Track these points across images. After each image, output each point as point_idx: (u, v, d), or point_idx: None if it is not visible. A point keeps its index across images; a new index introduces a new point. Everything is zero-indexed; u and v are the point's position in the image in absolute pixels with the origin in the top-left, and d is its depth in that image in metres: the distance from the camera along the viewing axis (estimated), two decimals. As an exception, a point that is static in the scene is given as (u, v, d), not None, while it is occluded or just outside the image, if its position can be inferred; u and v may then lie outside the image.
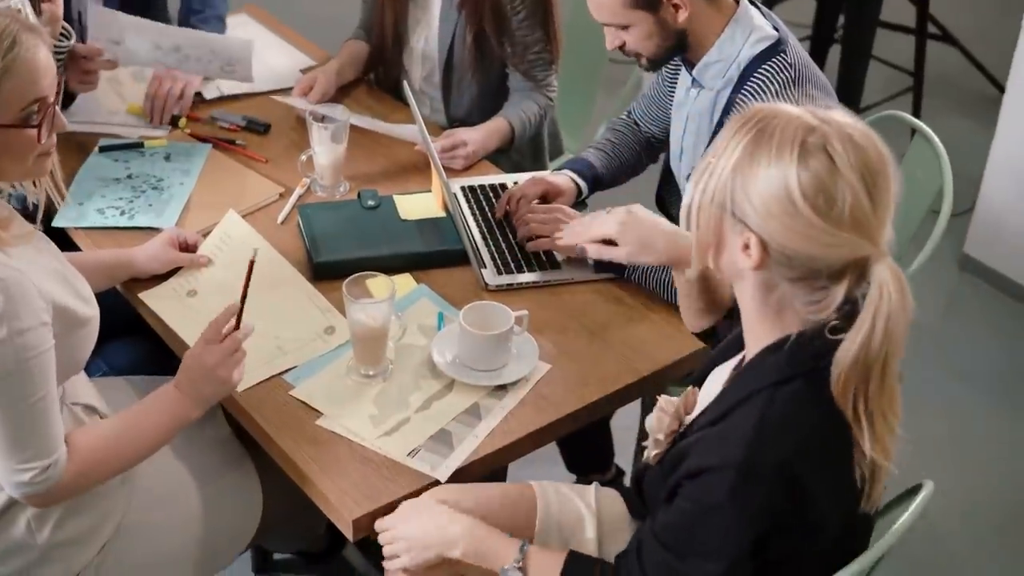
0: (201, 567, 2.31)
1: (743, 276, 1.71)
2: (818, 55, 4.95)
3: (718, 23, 2.41)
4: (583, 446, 3.05)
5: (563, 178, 2.71)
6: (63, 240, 2.53)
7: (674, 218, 2.60)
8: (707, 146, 2.50)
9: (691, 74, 2.50)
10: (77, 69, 2.84)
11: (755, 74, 2.39)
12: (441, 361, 2.28)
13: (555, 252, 2.57)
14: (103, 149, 2.89)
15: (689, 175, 2.09)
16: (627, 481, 3.07)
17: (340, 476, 2.09)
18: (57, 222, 2.60)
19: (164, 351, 2.51)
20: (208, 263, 2.52)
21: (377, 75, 3.25)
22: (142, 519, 2.22)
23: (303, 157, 2.77)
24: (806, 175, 1.59)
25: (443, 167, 2.65)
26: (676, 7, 2.36)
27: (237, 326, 2.10)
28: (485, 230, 2.65)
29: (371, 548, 2.80)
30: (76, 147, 2.86)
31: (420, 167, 2.86)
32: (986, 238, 4.21)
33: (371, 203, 2.67)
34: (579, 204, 2.74)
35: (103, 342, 2.18)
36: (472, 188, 2.80)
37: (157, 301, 2.45)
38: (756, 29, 2.42)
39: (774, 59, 2.39)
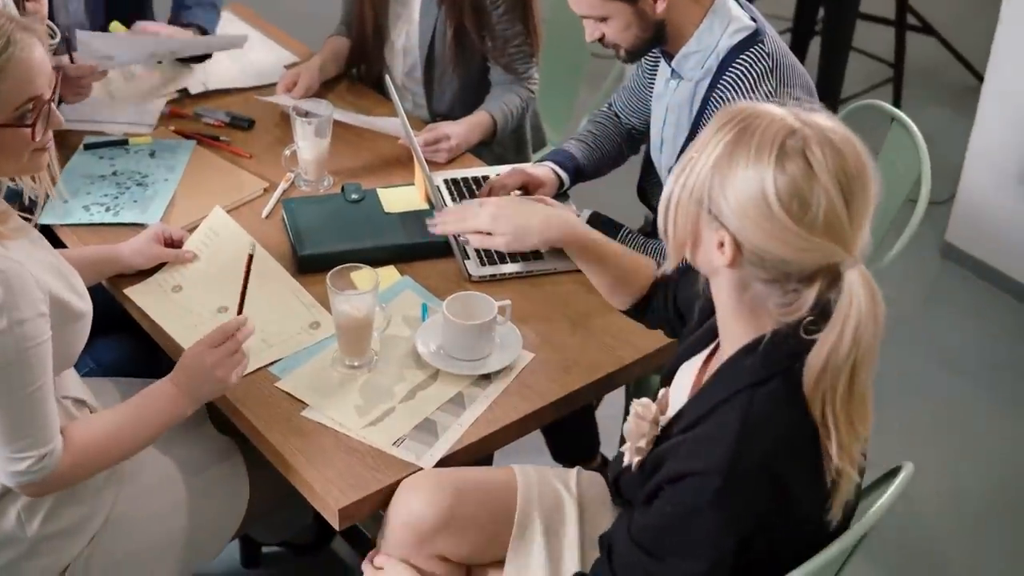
0: (189, 557, 2.33)
1: (718, 273, 1.72)
2: (799, 48, 4.97)
3: (696, 14, 2.43)
4: (569, 435, 3.06)
5: (544, 170, 2.73)
6: (49, 237, 2.54)
7: (656, 209, 2.62)
8: (687, 137, 2.52)
9: (670, 65, 2.52)
10: (70, 85, 2.86)
11: (733, 64, 2.41)
12: (425, 351, 2.31)
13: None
14: (88, 146, 2.90)
15: (671, 167, 2.11)
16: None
17: (326, 466, 2.11)
18: (43, 219, 2.61)
19: (150, 348, 2.53)
20: (193, 258, 2.54)
21: (359, 71, 3.27)
22: (131, 511, 2.24)
23: (287, 152, 2.79)
24: (783, 179, 1.59)
25: (426, 160, 2.67)
26: (654, -2, 2.38)
27: (240, 313, 2.13)
28: (468, 222, 2.67)
29: (358, 539, 2.83)
30: (61, 145, 2.87)
31: (403, 161, 2.88)
32: (967, 226, 4.24)
33: (355, 197, 2.69)
34: (561, 196, 2.75)
35: (91, 338, 2.19)
36: (455, 181, 2.82)
37: (143, 297, 2.46)
38: (734, 20, 2.43)
39: (752, 49, 2.41)
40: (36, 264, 1.99)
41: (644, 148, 2.86)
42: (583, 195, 2.84)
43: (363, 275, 2.29)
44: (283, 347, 2.34)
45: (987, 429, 3.64)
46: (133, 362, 2.66)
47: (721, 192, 1.63)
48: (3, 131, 1.94)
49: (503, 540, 2.12)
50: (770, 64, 2.40)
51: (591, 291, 2.48)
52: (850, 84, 4.95)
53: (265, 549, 3.00)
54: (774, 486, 1.65)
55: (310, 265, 2.51)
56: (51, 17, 2.77)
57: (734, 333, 1.75)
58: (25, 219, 2.08)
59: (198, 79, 3.18)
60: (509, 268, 2.55)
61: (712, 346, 1.87)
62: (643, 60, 2.67)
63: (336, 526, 2.07)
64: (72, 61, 2.85)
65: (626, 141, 2.88)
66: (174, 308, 2.43)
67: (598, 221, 2.65)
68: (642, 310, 2.29)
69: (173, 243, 2.54)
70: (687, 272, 2.01)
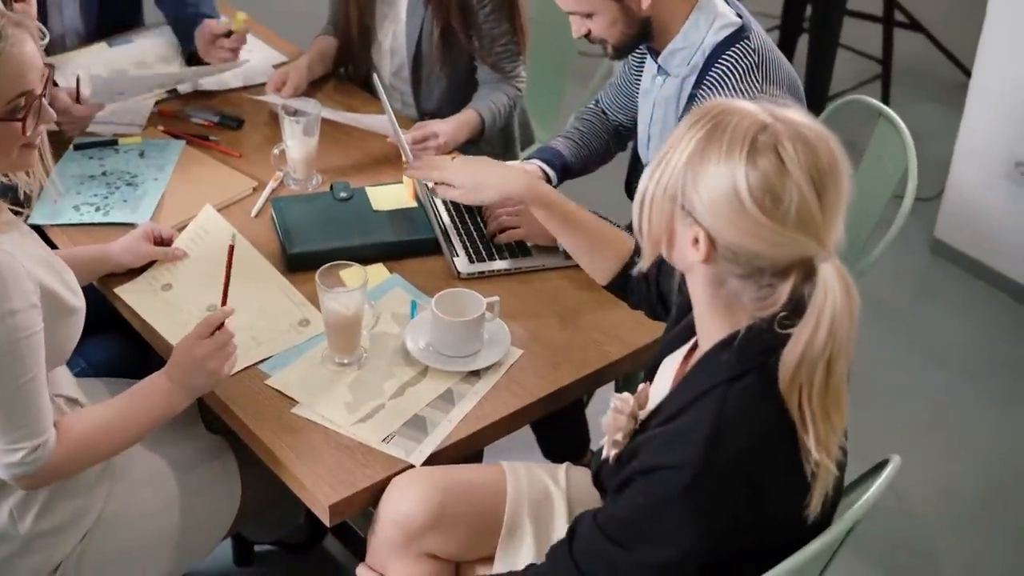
0: (181, 555, 2.33)
1: (694, 269, 1.72)
2: (787, 45, 4.98)
3: (682, 10, 2.44)
4: (559, 433, 3.07)
5: (532, 167, 2.74)
6: (40, 238, 2.55)
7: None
8: (673, 133, 2.53)
9: (656, 62, 2.52)
10: (74, 122, 2.88)
11: (719, 60, 2.42)
12: (414, 348, 2.31)
13: (526, 241, 2.60)
14: (78, 147, 2.91)
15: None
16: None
17: (316, 463, 2.11)
18: (33, 219, 2.61)
19: (141, 347, 2.53)
20: (183, 256, 2.54)
21: (347, 70, 3.28)
22: (123, 509, 2.24)
23: (276, 151, 2.79)
24: (755, 174, 1.60)
25: (414, 158, 2.68)
26: (640, -6, 2.39)
27: (223, 304, 2.14)
28: (456, 220, 2.67)
29: (350, 537, 2.84)
30: (50, 145, 2.87)
31: (392, 159, 2.89)
32: (956, 223, 4.25)
33: (343, 195, 2.70)
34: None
35: (81, 338, 2.20)
36: (444, 179, 2.82)
37: (132, 295, 2.47)
38: (720, 16, 2.44)
39: (738, 46, 2.42)
40: (27, 257, 2.00)
41: (631, 145, 2.86)
42: (571, 192, 2.81)
43: (352, 273, 2.30)
44: (272, 345, 2.34)
45: (977, 425, 3.65)
46: (124, 361, 2.66)
47: (694, 188, 1.64)
48: None
49: (492, 538, 2.13)
50: (756, 60, 2.41)
51: (580, 287, 2.50)
52: (838, 81, 4.96)
53: (257, 548, 3.01)
54: (748, 484, 1.66)
55: (299, 263, 2.52)
56: (45, 24, 2.78)
57: (710, 328, 1.76)
58: (16, 213, 2.08)
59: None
60: (498, 265, 2.56)
61: (692, 341, 1.88)
62: (630, 56, 2.68)
63: (327, 522, 2.07)
64: (78, 101, 2.87)
65: (613, 138, 2.89)
66: (164, 306, 2.44)
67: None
68: (622, 287, 2.29)
69: (163, 241, 2.55)
70: None
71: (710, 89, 2.42)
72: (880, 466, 1.92)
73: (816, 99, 4.64)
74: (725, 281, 1.69)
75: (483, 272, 2.54)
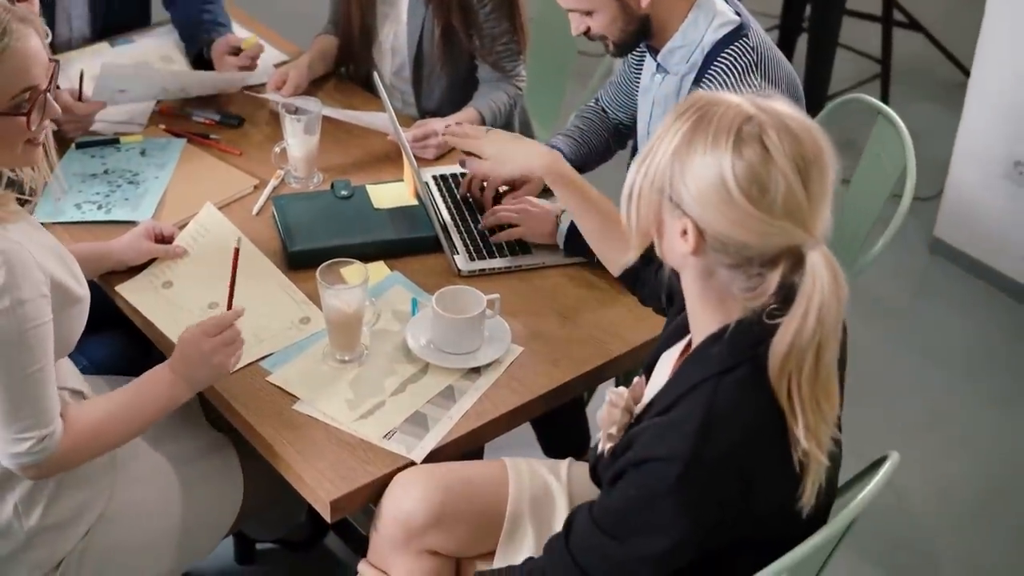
0: (183, 552, 2.34)
1: (684, 262, 1.73)
2: (786, 45, 4.99)
3: (681, 8, 2.44)
4: (559, 430, 3.08)
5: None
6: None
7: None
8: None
9: (655, 60, 2.53)
10: (76, 121, 2.89)
11: (718, 58, 2.42)
12: (415, 345, 2.32)
13: (526, 240, 2.61)
14: (80, 145, 2.92)
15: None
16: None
17: (317, 459, 2.12)
18: (37, 216, 2.62)
19: (143, 345, 2.54)
20: (184, 254, 2.55)
21: (348, 70, 3.29)
22: (126, 505, 2.25)
23: (277, 149, 2.80)
24: (740, 164, 1.61)
25: (415, 156, 2.69)
26: (639, -8, 2.40)
27: (229, 308, 2.15)
28: (457, 217, 2.68)
29: (351, 535, 2.84)
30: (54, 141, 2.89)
31: (392, 157, 2.90)
32: (955, 222, 4.25)
33: (344, 193, 2.71)
34: (547, 191, 2.76)
35: (83, 335, 2.21)
36: (443, 177, 2.83)
37: (133, 293, 2.47)
38: (719, 14, 2.45)
39: (737, 44, 2.42)
40: (37, 247, 2.01)
41: (631, 143, 2.87)
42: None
43: (353, 270, 2.31)
44: (274, 342, 2.35)
45: (976, 425, 3.65)
46: (126, 359, 2.67)
47: (681, 180, 1.65)
48: None
49: (494, 534, 2.13)
50: (755, 58, 2.41)
51: (580, 285, 2.51)
52: (838, 81, 4.96)
53: (259, 546, 3.01)
54: (739, 476, 1.67)
55: (300, 261, 2.53)
56: (52, 28, 2.78)
57: (702, 321, 1.77)
58: (22, 202, 2.09)
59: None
60: (498, 263, 2.56)
61: (689, 337, 1.89)
62: (630, 55, 2.69)
63: (328, 518, 2.08)
64: (80, 99, 2.88)
65: (613, 136, 2.89)
66: (165, 304, 2.44)
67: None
68: (635, 278, 2.29)
69: (164, 239, 2.56)
70: None
71: (709, 87, 2.42)
72: (878, 463, 1.93)
73: (815, 98, 4.65)
74: (715, 272, 1.70)
75: (483, 270, 2.55)
